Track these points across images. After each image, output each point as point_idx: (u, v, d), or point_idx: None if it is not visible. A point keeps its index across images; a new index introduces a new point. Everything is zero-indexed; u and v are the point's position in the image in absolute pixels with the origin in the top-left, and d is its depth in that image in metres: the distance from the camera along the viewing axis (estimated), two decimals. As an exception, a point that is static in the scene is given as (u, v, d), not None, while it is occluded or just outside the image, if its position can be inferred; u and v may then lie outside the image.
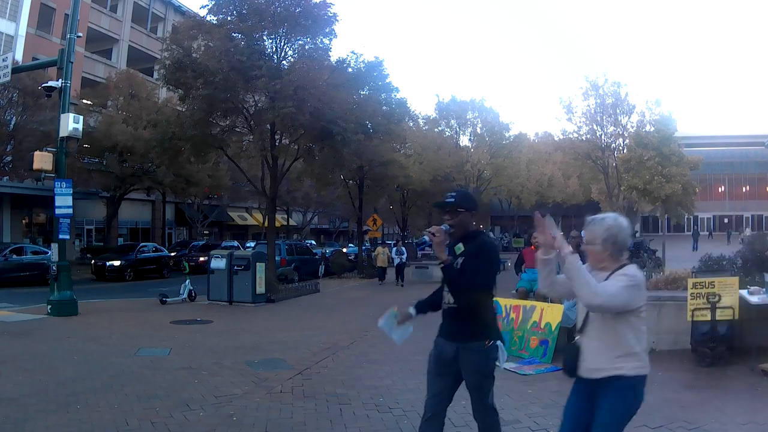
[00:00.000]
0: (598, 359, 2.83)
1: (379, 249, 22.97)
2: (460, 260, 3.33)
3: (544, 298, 7.90)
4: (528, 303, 7.86)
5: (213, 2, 17.76)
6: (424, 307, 3.64)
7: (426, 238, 3.37)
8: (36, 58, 23.91)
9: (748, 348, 6.61)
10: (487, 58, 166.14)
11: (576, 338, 2.98)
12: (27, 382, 6.12)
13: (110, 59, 34.90)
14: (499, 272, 3.56)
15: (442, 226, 3.35)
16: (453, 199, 3.44)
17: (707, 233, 45.69)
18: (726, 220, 56.68)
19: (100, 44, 34.16)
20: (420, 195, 37.74)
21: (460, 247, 3.39)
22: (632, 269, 2.85)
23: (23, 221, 28.70)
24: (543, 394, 5.78)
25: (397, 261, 21.07)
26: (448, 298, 3.41)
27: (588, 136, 35.90)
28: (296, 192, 35.34)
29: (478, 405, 3.41)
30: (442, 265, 3.34)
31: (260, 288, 14.25)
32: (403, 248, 22.16)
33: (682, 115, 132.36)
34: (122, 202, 30.50)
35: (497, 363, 3.35)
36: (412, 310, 3.61)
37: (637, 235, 41.64)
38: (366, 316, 12.33)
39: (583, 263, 2.80)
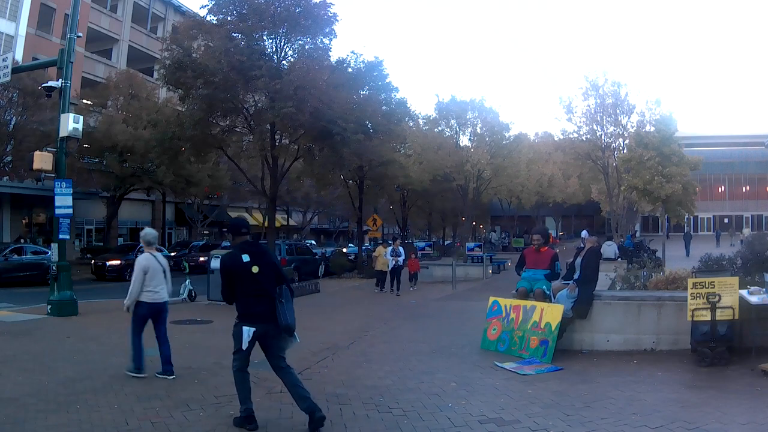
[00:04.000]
0: None
1: (379, 249, 19.45)
2: None
3: (544, 298, 7.90)
4: (528, 303, 7.84)
5: (213, 2, 17.78)
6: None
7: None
8: (36, 58, 23.92)
9: (748, 348, 6.62)
10: (486, 58, 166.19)
11: None
12: (27, 382, 6.12)
13: (110, 59, 34.89)
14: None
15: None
16: None
17: (713, 233, 45.03)
18: (726, 220, 56.61)
19: (100, 44, 34.16)
20: (420, 195, 37.76)
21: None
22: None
23: (23, 221, 28.69)
24: (543, 394, 5.77)
25: (392, 264, 17.81)
26: None
27: (588, 136, 35.80)
28: (296, 192, 35.36)
29: None
30: None
31: (260, 288, 14.20)
32: (401, 249, 18.78)
33: (683, 115, 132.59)
34: (122, 202, 30.50)
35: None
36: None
37: (637, 234, 41.61)
38: (366, 317, 12.34)
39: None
